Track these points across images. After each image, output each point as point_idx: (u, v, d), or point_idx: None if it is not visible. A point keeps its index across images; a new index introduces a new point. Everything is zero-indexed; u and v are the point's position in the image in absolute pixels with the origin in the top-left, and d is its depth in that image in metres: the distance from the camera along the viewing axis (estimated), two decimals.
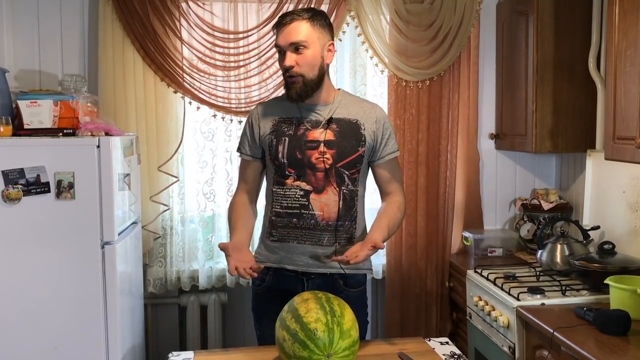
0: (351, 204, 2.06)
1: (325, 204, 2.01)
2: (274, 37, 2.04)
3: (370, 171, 2.14)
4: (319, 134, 2.02)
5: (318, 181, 2.01)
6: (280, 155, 2.02)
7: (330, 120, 2.03)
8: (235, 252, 1.96)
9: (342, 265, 2.04)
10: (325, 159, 2.00)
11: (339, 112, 2.05)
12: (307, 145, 2.01)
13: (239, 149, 2.17)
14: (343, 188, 2.03)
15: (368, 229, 2.13)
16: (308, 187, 2.01)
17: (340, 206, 2.03)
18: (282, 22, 1.98)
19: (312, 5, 3.07)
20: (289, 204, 2.03)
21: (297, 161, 2.01)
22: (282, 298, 1.92)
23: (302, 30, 1.96)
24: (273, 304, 2.01)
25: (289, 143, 2.02)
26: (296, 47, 1.95)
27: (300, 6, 3.07)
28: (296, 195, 2.02)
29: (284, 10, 3.09)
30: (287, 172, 2.02)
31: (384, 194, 2.15)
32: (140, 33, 2.99)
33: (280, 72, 3.02)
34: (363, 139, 2.05)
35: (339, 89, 2.13)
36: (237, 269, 1.92)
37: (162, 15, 3.00)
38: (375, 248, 1.89)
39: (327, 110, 2.05)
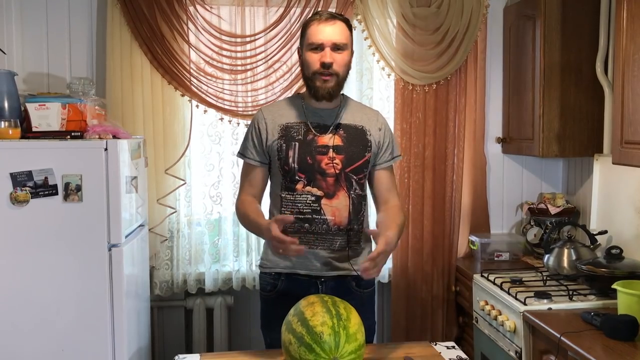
0: (359, 208, 2.06)
1: (337, 208, 2.01)
2: (301, 36, 2.03)
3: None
4: (328, 140, 2.02)
5: (329, 186, 2.01)
6: (290, 160, 2.01)
7: (337, 126, 2.04)
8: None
9: (353, 267, 2.04)
10: (335, 164, 2.00)
11: (345, 117, 2.06)
12: (318, 151, 2.01)
13: (242, 154, 2.12)
14: (352, 193, 2.03)
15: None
16: (319, 193, 2.01)
17: (351, 210, 2.03)
18: (321, 18, 1.97)
19: (319, 8, 3.08)
20: (300, 210, 2.01)
21: (307, 166, 2.00)
22: (295, 303, 1.85)
23: (343, 31, 1.98)
24: (285, 309, 1.91)
25: (300, 148, 2.01)
26: (337, 47, 1.96)
27: (307, 10, 3.08)
28: (307, 201, 2.01)
29: (291, 14, 3.10)
30: (296, 177, 2.01)
31: (380, 202, 2.13)
32: (147, 36, 3.00)
33: (287, 76, 3.12)
34: (369, 144, 2.06)
35: (342, 94, 2.13)
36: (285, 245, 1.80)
37: (169, 18, 3.01)
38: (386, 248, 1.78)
39: (333, 115, 2.05)
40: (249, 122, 3.06)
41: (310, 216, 2.01)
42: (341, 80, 2.01)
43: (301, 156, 2.01)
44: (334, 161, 2.00)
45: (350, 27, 2.03)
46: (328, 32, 1.96)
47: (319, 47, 1.96)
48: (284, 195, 2.04)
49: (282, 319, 1.86)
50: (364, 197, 2.09)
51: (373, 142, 2.06)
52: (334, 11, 3.08)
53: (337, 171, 2.01)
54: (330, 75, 1.97)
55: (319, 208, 2.00)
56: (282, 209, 2.04)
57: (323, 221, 2.01)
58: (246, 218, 2.04)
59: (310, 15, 2.98)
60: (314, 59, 1.97)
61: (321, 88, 1.98)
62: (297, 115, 2.06)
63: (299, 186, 2.01)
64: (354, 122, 2.06)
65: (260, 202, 2.14)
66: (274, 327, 2.04)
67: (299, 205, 2.01)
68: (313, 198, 2.01)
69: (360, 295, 2.03)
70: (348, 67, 2.02)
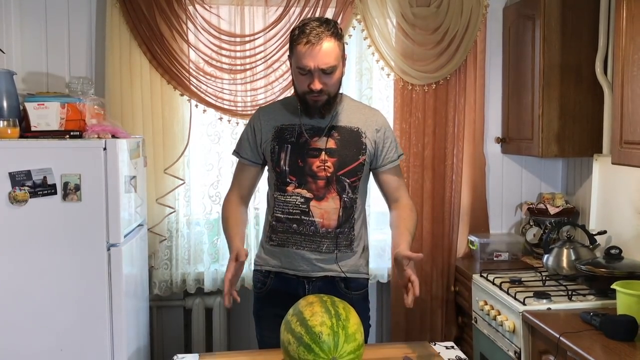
0: (350, 212, 2.05)
1: (326, 211, 2.01)
2: (289, 47, 1.97)
3: (372, 178, 2.14)
4: (321, 142, 2.01)
5: (319, 189, 2.01)
6: (282, 162, 2.01)
7: (331, 128, 2.02)
8: (238, 266, 1.89)
9: (342, 269, 2.04)
10: (326, 167, 2.00)
11: (340, 119, 2.04)
12: (309, 154, 2.00)
13: (237, 153, 2.14)
14: (344, 196, 2.02)
15: (370, 237, 2.13)
16: (309, 195, 2.01)
17: (341, 214, 2.02)
18: (309, 40, 1.87)
19: (319, 9, 3.08)
20: (290, 210, 2.02)
21: (298, 169, 2.01)
22: (283, 301, 1.93)
23: (332, 52, 1.89)
24: (274, 306, 2.02)
25: (291, 151, 2.01)
26: (325, 71, 1.90)
27: (307, 10, 3.07)
28: (297, 202, 2.02)
29: (290, 13, 3.09)
30: (288, 180, 2.02)
31: (391, 201, 2.13)
32: (147, 36, 3.00)
33: (286, 75, 3.11)
34: (364, 147, 2.04)
35: (341, 94, 2.10)
36: (229, 286, 1.86)
37: (169, 18, 3.01)
38: (410, 259, 1.82)
39: (329, 117, 2.04)
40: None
41: (298, 217, 2.02)
42: (332, 97, 1.97)
43: (292, 159, 2.01)
44: (326, 164, 2.00)
45: (339, 37, 1.94)
46: (316, 58, 1.87)
47: (307, 73, 1.91)
48: (276, 196, 2.05)
49: (272, 315, 1.94)
50: (357, 200, 2.07)
51: (368, 144, 2.04)
52: (332, 12, 3.09)
53: (329, 174, 2.00)
54: (321, 97, 1.94)
55: (307, 209, 2.01)
56: (275, 208, 2.06)
57: (311, 223, 2.01)
58: (224, 226, 2.09)
59: (304, 17, 2.97)
60: (303, 82, 1.93)
61: (312, 108, 1.96)
62: (292, 117, 2.05)
63: (290, 188, 2.02)
64: (349, 123, 2.04)
65: (246, 203, 2.17)
66: (264, 324, 2.12)
67: (289, 206, 2.03)
68: (302, 200, 2.01)
69: (350, 298, 2.01)
70: (339, 81, 1.98)
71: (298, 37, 1.90)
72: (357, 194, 2.06)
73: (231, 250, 1.95)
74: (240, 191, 2.14)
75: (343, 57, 1.98)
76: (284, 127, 2.04)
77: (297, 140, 2.02)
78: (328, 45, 1.88)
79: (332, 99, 1.98)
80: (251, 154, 2.10)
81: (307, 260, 2.04)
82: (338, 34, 1.94)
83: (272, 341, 1.90)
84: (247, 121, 3.04)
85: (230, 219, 2.08)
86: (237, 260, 1.87)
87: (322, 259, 2.04)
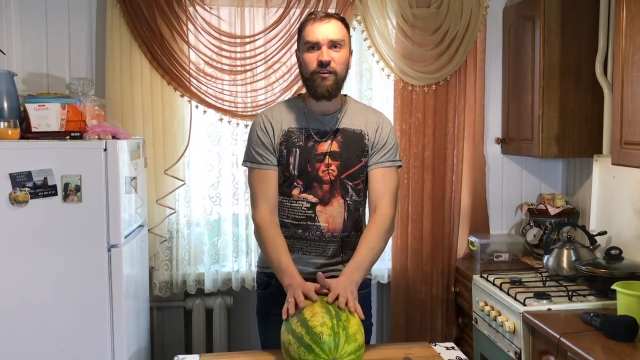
0: (356, 215, 2.05)
1: (331, 215, 2.01)
2: (297, 37, 2.02)
3: None
4: (326, 146, 2.00)
5: (324, 193, 2.00)
6: (291, 167, 2.00)
7: (336, 131, 2.02)
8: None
9: None
10: (330, 171, 2.00)
11: (344, 122, 2.04)
12: (316, 158, 2.00)
13: (255, 162, 2.02)
14: (347, 199, 2.02)
15: None
16: (314, 200, 2.00)
17: (346, 217, 2.02)
18: (317, 17, 1.95)
19: (319, 9, 3.08)
20: (295, 216, 2.01)
21: (306, 174, 2.00)
22: None
23: (340, 28, 1.95)
24: (278, 307, 1.99)
25: (300, 155, 2.00)
26: (334, 45, 1.94)
27: (307, 11, 3.08)
28: (302, 207, 2.01)
29: (291, 14, 3.10)
30: (295, 184, 2.01)
31: (370, 208, 2.03)
32: (147, 37, 3.00)
33: (286, 76, 3.12)
34: (366, 149, 2.03)
35: (345, 96, 2.11)
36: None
37: (169, 19, 3.01)
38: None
39: (334, 119, 2.03)
40: (249, 122, 3.11)
41: (304, 222, 2.01)
42: (340, 79, 1.97)
43: (301, 163, 2.00)
44: (330, 168, 1.99)
45: (347, 26, 2.00)
46: (324, 30, 1.93)
47: (316, 46, 1.93)
48: (281, 201, 2.03)
49: (274, 316, 1.92)
50: (361, 203, 2.07)
51: (369, 146, 2.05)
52: (333, 12, 3.09)
53: (333, 178, 1.99)
54: (329, 73, 1.93)
55: (313, 215, 2.00)
56: (280, 213, 2.04)
57: (317, 228, 2.01)
58: (273, 251, 1.94)
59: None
60: (312, 59, 1.94)
61: (320, 87, 1.94)
62: (298, 120, 2.03)
63: (295, 192, 2.01)
64: (352, 126, 2.04)
65: (277, 218, 2.05)
66: (267, 324, 2.12)
67: (295, 211, 2.01)
68: (308, 205, 2.00)
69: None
70: (346, 65, 1.99)
71: (307, 19, 1.99)
72: (361, 197, 2.06)
73: (294, 286, 1.80)
74: (269, 204, 2.00)
75: (350, 46, 2.01)
76: (291, 131, 2.02)
77: (305, 144, 2.01)
78: (335, 22, 1.96)
79: (340, 82, 1.98)
80: (273, 156, 2.01)
81: (313, 265, 2.04)
82: (345, 22, 2.00)
83: (275, 341, 1.90)
84: (247, 122, 3.11)
85: (278, 246, 1.94)
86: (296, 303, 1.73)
87: (329, 263, 2.04)
